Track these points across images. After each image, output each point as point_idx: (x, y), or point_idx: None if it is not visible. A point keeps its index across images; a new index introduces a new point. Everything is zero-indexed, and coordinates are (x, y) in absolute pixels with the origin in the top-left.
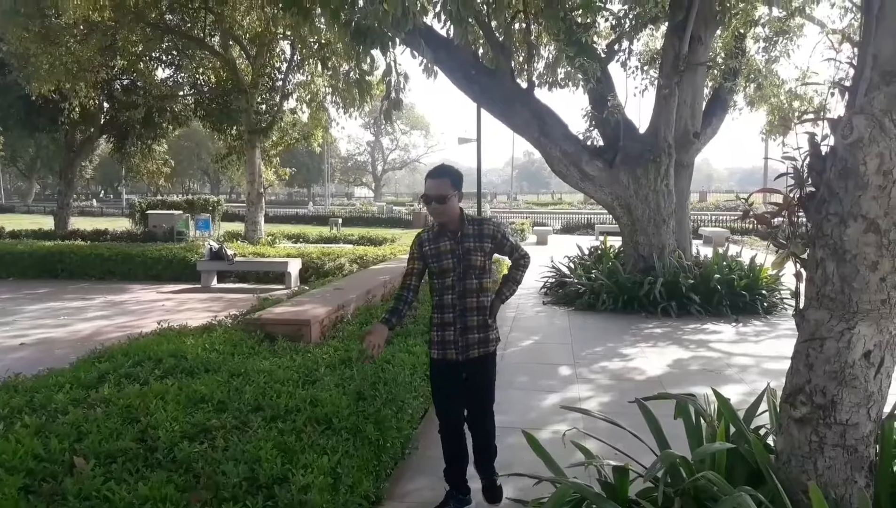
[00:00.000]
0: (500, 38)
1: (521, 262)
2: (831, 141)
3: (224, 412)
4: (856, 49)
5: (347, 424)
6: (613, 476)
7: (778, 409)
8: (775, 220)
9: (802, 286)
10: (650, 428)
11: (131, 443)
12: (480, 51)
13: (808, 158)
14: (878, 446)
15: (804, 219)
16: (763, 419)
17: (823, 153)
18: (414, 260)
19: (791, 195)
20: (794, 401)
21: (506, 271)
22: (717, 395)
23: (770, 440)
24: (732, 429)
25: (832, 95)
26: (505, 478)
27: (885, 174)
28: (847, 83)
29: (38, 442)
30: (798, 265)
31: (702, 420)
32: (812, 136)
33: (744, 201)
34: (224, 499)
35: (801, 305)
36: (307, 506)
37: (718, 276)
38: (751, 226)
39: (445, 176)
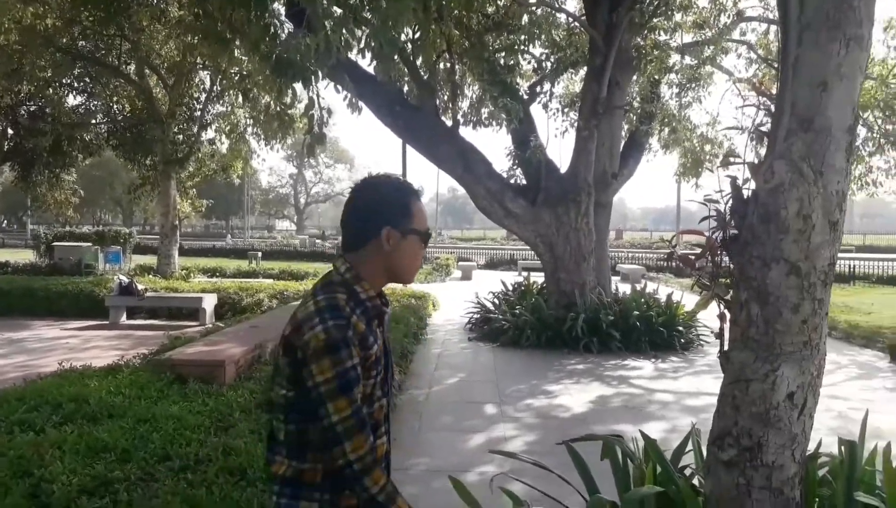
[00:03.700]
0: (425, 77)
1: None
2: (752, 185)
3: (128, 462)
4: (761, 96)
5: (263, 475)
6: None
7: (703, 449)
8: (699, 261)
9: (727, 327)
10: (578, 472)
11: (21, 500)
12: (405, 88)
13: (730, 202)
14: (801, 488)
15: (727, 260)
16: (687, 458)
17: (746, 197)
18: (355, 369)
19: (714, 237)
20: (722, 444)
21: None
22: (645, 436)
23: (696, 481)
24: (659, 470)
25: (752, 140)
26: None
27: (805, 218)
28: (761, 129)
29: None
30: (722, 306)
31: (629, 462)
32: (734, 180)
33: (668, 242)
34: None
35: (726, 346)
36: None
37: (637, 313)
38: (673, 265)
39: None
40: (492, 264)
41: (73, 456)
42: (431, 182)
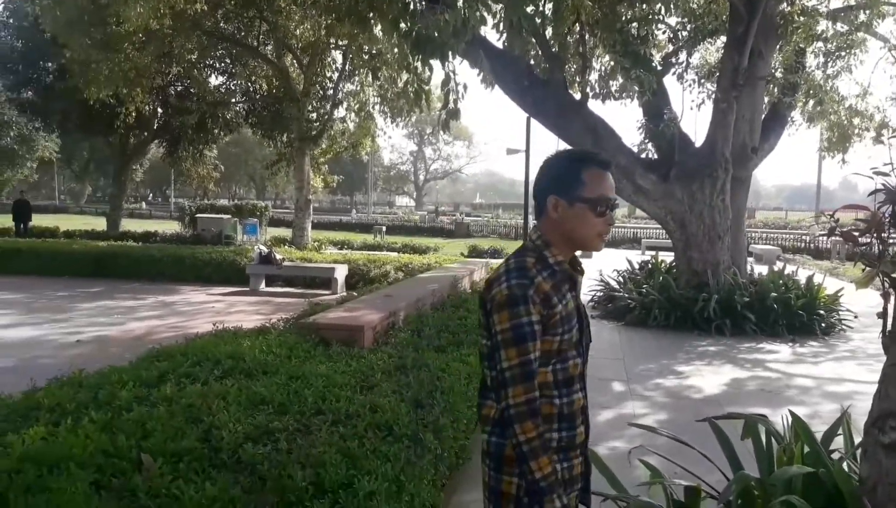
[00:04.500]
0: (555, 49)
1: None
2: None
3: (285, 414)
4: None
5: (408, 431)
6: (685, 497)
7: (853, 434)
8: (863, 238)
9: (891, 307)
10: (722, 448)
11: (196, 443)
12: (532, 62)
13: None
14: None
15: (895, 237)
16: (835, 443)
17: None
18: (531, 325)
19: (881, 212)
20: (883, 426)
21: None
22: (794, 416)
23: (844, 466)
24: (807, 450)
25: None
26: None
27: None
28: None
29: (106, 438)
30: (887, 284)
31: (773, 442)
32: None
33: (829, 217)
34: (291, 503)
35: (889, 326)
36: None
37: (775, 294)
38: (831, 242)
39: None
40: (612, 242)
41: (236, 407)
42: None
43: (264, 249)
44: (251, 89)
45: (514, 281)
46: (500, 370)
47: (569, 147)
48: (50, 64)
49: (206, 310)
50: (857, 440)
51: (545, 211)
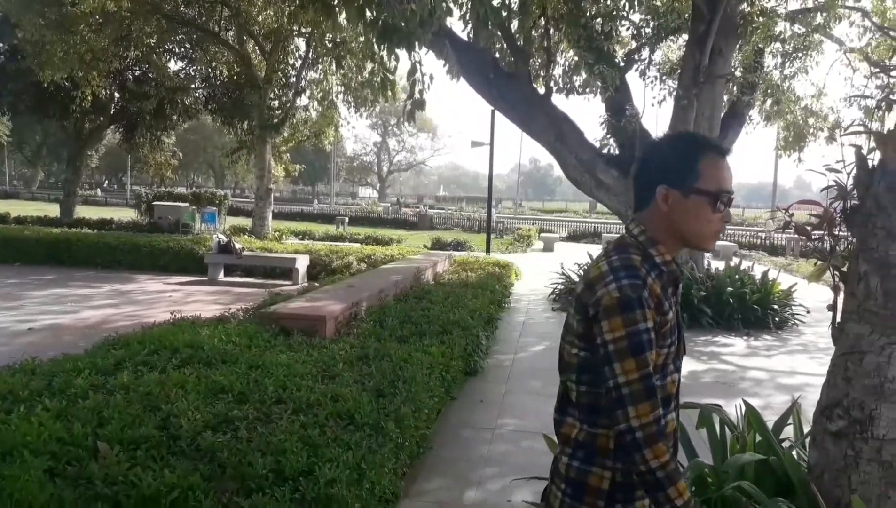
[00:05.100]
0: (520, 43)
1: None
2: (877, 155)
3: (245, 403)
4: (872, 67)
5: (369, 420)
6: None
7: (803, 423)
8: (815, 232)
9: (840, 299)
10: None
11: (154, 431)
12: (497, 55)
13: (854, 171)
14: None
15: (845, 232)
16: (786, 432)
17: (871, 167)
18: (648, 332)
19: (833, 208)
20: (831, 414)
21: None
22: (748, 405)
23: (794, 453)
24: (759, 439)
25: (879, 109)
26: (524, 482)
27: None
28: (864, 101)
29: (61, 426)
30: (837, 278)
31: (727, 431)
32: (858, 149)
33: (784, 212)
34: (251, 490)
35: (839, 318)
36: (333, 501)
37: (731, 289)
38: (786, 235)
39: None
40: (574, 237)
41: (195, 395)
42: (513, 153)
43: (223, 238)
44: (211, 75)
45: (626, 282)
46: (615, 385)
47: (682, 134)
48: (1, 44)
49: (163, 299)
50: (807, 429)
51: (652, 202)
